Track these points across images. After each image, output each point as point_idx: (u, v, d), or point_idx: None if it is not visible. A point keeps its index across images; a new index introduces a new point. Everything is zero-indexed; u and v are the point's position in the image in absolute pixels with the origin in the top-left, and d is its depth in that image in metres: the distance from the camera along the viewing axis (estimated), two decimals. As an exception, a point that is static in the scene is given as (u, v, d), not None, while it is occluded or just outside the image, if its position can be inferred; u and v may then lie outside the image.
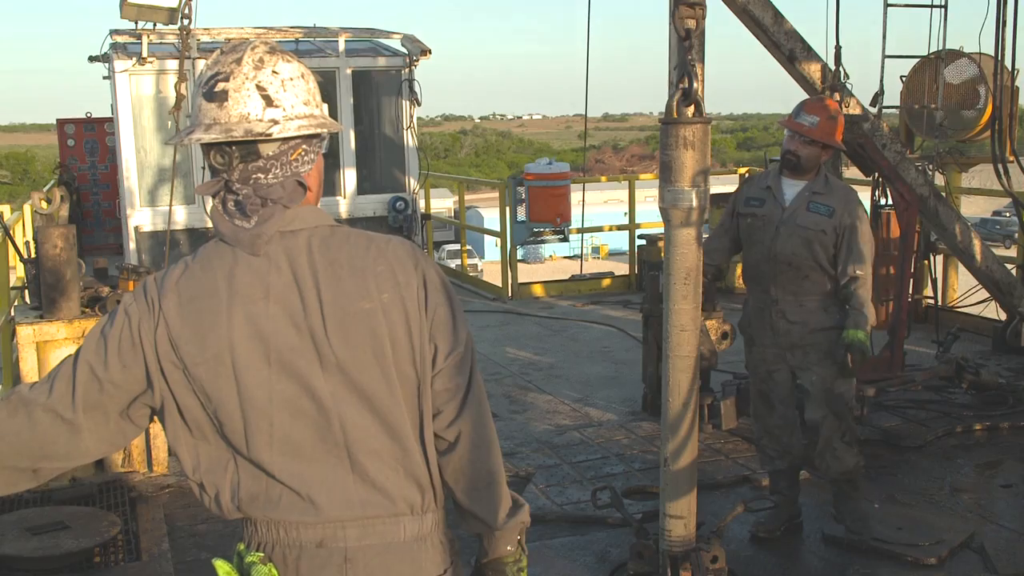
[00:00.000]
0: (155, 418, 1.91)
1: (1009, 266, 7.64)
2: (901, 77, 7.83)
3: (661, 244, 6.35)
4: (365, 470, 1.84)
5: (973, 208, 28.53)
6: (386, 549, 1.86)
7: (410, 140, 11.61)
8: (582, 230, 12.05)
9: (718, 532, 4.16)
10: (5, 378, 6.27)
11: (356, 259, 1.86)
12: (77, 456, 1.88)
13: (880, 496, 5.08)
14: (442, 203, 31.32)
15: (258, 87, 1.81)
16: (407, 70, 11.43)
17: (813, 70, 6.04)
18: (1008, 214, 35.33)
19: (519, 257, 11.87)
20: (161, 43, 10.65)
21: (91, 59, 11.60)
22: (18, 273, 8.75)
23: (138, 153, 10.63)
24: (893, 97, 7.71)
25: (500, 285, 11.22)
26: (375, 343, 1.83)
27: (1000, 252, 8.11)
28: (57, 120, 14.04)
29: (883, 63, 7.33)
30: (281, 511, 1.84)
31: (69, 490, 5.02)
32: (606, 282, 11.63)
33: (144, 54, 10.30)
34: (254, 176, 1.84)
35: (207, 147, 1.84)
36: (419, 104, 11.48)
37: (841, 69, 6.26)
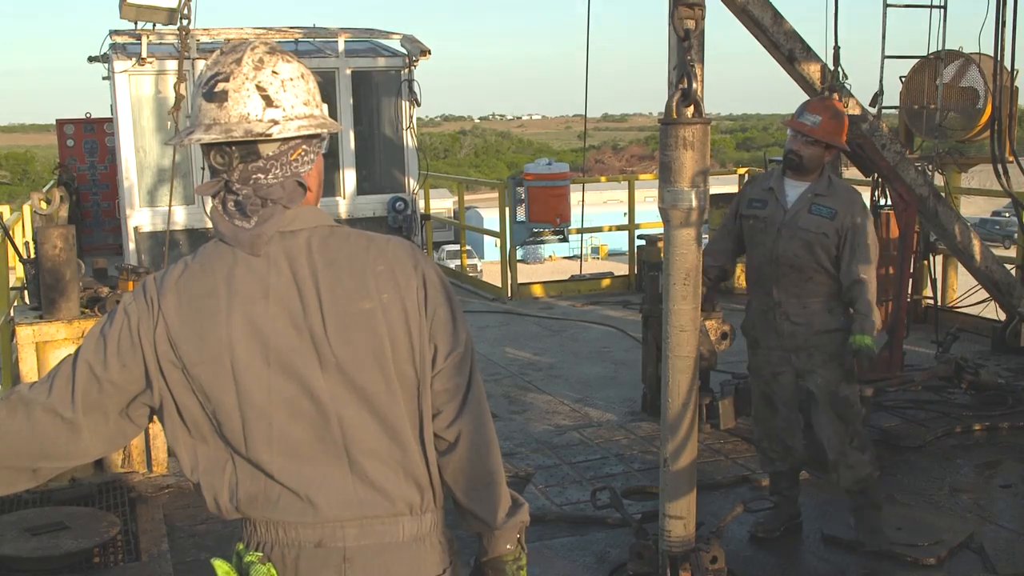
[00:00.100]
0: (155, 418, 1.92)
1: (1008, 266, 7.64)
2: (900, 77, 7.84)
3: (661, 244, 6.34)
4: (364, 470, 1.84)
5: (972, 208, 28.55)
6: (385, 549, 1.86)
7: (410, 140, 11.61)
8: (582, 230, 12.05)
9: (717, 532, 4.16)
10: (5, 378, 6.27)
11: (356, 259, 1.86)
12: (76, 456, 1.88)
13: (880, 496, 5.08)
14: (442, 203, 31.31)
15: (258, 87, 1.82)
16: (407, 70, 11.43)
17: (813, 70, 6.04)
18: (1007, 214, 35.35)
19: (519, 257, 11.87)
20: (160, 43, 10.65)
21: (91, 59, 11.59)
22: (17, 273, 8.76)
23: (137, 153, 10.63)
24: (892, 97, 7.73)
25: (500, 285, 11.22)
26: (375, 343, 1.83)
27: (999, 252, 8.11)
28: (57, 120, 14.04)
29: (882, 63, 7.34)
30: (280, 511, 1.84)
31: (68, 490, 5.02)
32: (606, 282, 11.63)
33: (143, 54, 10.30)
34: (254, 176, 1.84)
35: (207, 147, 1.84)
36: (418, 104, 11.48)
37: (840, 69, 6.26)
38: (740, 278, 9.76)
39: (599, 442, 6.12)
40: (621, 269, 12.56)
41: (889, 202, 6.82)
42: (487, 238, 37.11)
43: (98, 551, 4.40)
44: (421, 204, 12.00)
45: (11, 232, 7.45)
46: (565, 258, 42.75)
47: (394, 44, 11.81)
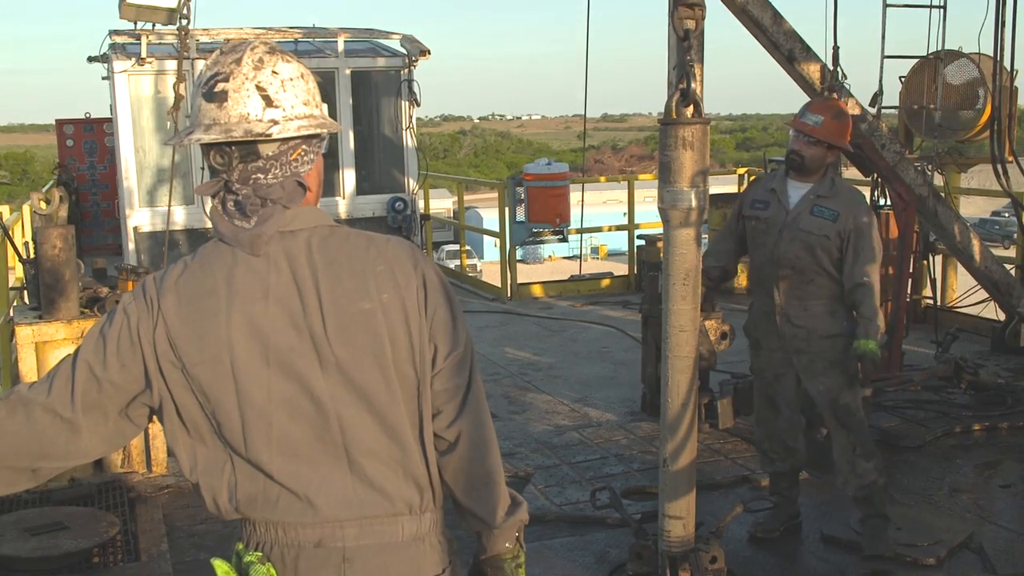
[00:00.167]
0: (154, 418, 1.92)
1: (1008, 266, 7.64)
2: (900, 77, 7.84)
3: (660, 244, 6.34)
4: (363, 470, 1.84)
5: (972, 208, 28.53)
6: (384, 549, 1.86)
7: (409, 140, 11.61)
8: (581, 230, 12.06)
9: (717, 532, 4.16)
10: (4, 379, 6.27)
11: (356, 259, 1.86)
12: (76, 456, 1.88)
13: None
14: (441, 203, 31.29)
15: (258, 87, 1.81)
16: (406, 70, 11.43)
17: (812, 70, 6.04)
18: (1007, 214, 35.36)
19: (518, 257, 11.87)
20: (160, 43, 10.65)
21: (90, 59, 11.59)
22: (17, 273, 8.75)
23: (137, 153, 10.63)
24: (892, 97, 7.73)
25: (499, 285, 11.22)
26: (375, 343, 1.83)
27: (999, 252, 8.11)
28: (56, 120, 14.02)
29: (882, 63, 7.34)
30: (279, 512, 1.84)
31: (68, 490, 5.02)
32: (605, 282, 11.63)
33: (143, 54, 10.30)
34: (254, 176, 1.84)
35: (206, 147, 1.84)
36: (418, 104, 11.48)
37: (839, 69, 6.26)
38: (740, 278, 9.76)
39: (599, 442, 6.13)
40: (621, 269, 12.56)
41: (888, 202, 6.82)
42: (487, 238, 37.11)
43: (97, 551, 4.39)
44: (421, 204, 12.00)
45: (11, 232, 7.45)
46: (565, 258, 42.74)
47: (394, 44, 11.81)
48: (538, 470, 5.64)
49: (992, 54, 7.08)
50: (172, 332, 1.81)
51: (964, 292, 8.72)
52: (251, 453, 1.82)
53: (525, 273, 12.58)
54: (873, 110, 6.97)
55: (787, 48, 5.97)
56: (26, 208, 9.58)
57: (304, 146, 1.88)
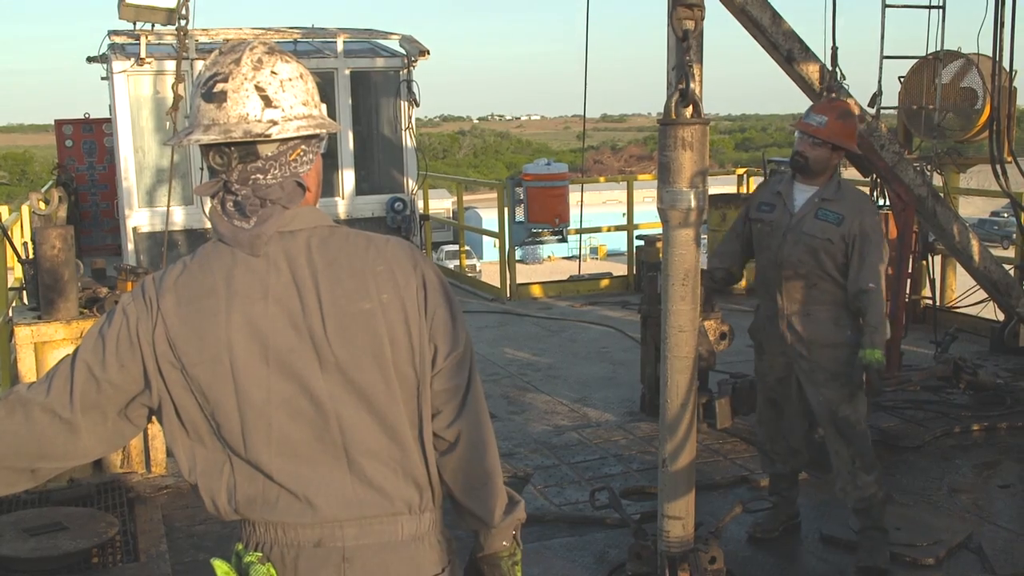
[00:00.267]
0: (153, 418, 1.92)
1: (1007, 267, 7.64)
2: (899, 78, 7.84)
3: (659, 245, 6.34)
4: (363, 470, 1.84)
5: (971, 209, 28.56)
6: (384, 548, 1.86)
7: (408, 141, 11.61)
8: (580, 231, 12.07)
9: (716, 533, 4.16)
10: (3, 379, 6.26)
11: (355, 259, 1.86)
12: (75, 456, 1.88)
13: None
14: (440, 204, 31.32)
15: (257, 88, 1.81)
16: (405, 71, 11.43)
17: (811, 71, 6.04)
18: (1006, 215, 35.39)
19: (517, 258, 11.88)
20: (159, 44, 10.65)
21: (89, 60, 11.59)
22: (16, 274, 8.75)
23: (136, 154, 10.63)
24: (891, 98, 7.73)
25: (498, 286, 11.22)
26: (374, 343, 1.83)
27: (998, 253, 8.11)
28: (55, 121, 14.01)
29: (881, 64, 7.34)
30: (279, 512, 1.84)
31: (67, 491, 5.02)
32: (604, 283, 11.63)
33: (142, 55, 10.30)
34: (253, 177, 1.84)
35: (206, 148, 1.84)
36: (417, 105, 11.48)
37: (838, 70, 6.26)
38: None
39: (598, 442, 6.13)
40: (620, 269, 12.57)
41: (887, 203, 6.82)
42: (486, 238, 37.10)
43: (96, 552, 4.39)
44: (420, 204, 12.00)
45: (10, 232, 7.45)
46: (564, 258, 42.72)
47: (393, 44, 11.81)
48: (537, 470, 5.64)
49: (991, 54, 7.09)
50: (171, 332, 1.81)
51: (963, 292, 8.72)
52: (250, 454, 1.82)
53: (524, 273, 12.58)
54: (872, 110, 6.97)
55: (786, 48, 5.97)
56: (25, 208, 9.58)
57: (303, 146, 1.88)
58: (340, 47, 11.31)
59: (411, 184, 11.67)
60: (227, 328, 1.80)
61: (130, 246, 10.57)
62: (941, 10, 7.24)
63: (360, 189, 11.51)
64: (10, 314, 5.91)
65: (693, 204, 3.64)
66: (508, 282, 10.99)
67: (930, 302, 8.30)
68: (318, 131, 1.88)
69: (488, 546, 2.02)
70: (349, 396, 1.83)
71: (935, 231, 6.98)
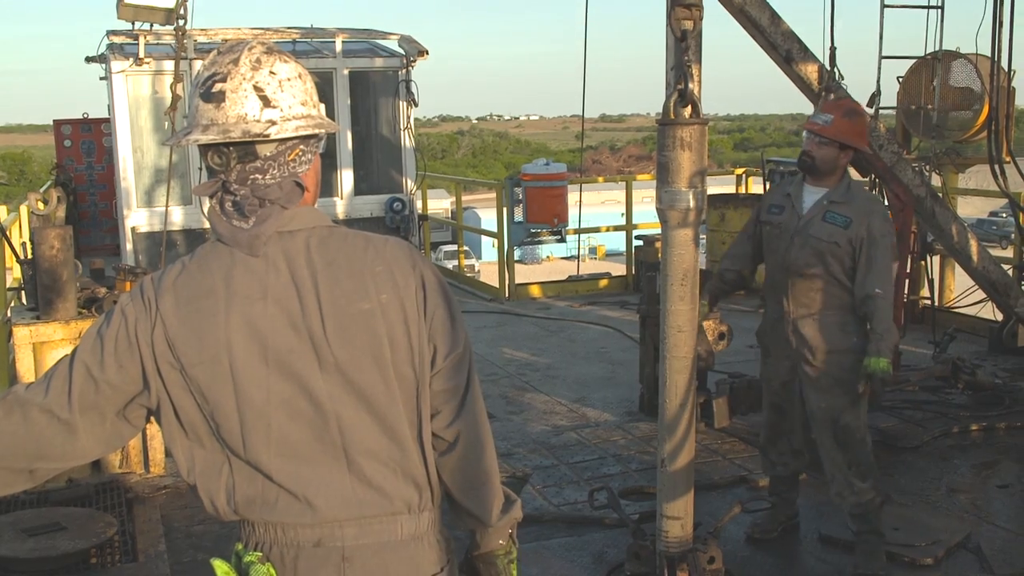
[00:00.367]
0: (152, 419, 1.91)
1: (1005, 267, 7.64)
2: (898, 78, 7.85)
3: (658, 245, 6.35)
4: (362, 470, 1.85)
5: (970, 209, 28.53)
6: (383, 548, 1.86)
7: (407, 141, 11.60)
8: (579, 231, 12.06)
9: (715, 533, 4.16)
10: (1, 379, 6.26)
11: (354, 260, 1.86)
12: (73, 456, 1.88)
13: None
14: (439, 204, 31.30)
15: (255, 88, 1.81)
16: (404, 71, 11.42)
17: (810, 71, 6.04)
18: (1004, 215, 35.40)
19: (516, 258, 11.87)
20: (158, 44, 10.64)
21: (88, 60, 11.58)
22: (14, 274, 8.74)
23: (135, 154, 10.62)
24: (890, 98, 7.74)
25: (497, 286, 11.21)
26: (374, 344, 1.83)
27: (996, 253, 8.11)
28: (54, 121, 14.02)
29: (880, 64, 7.35)
30: (278, 513, 1.84)
31: (65, 491, 5.01)
32: (603, 283, 11.63)
33: (141, 55, 10.29)
34: (252, 177, 1.84)
35: (204, 148, 1.84)
36: (416, 105, 11.48)
37: (837, 70, 6.26)
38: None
39: (596, 442, 6.13)
40: (619, 269, 12.57)
41: (886, 203, 6.82)
42: (485, 238, 37.07)
43: (95, 552, 4.39)
44: (419, 204, 12.00)
45: (8, 233, 7.45)
46: (563, 258, 42.68)
47: (392, 44, 11.81)
48: (536, 470, 5.64)
49: (990, 54, 7.09)
50: (170, 333, 1.81)
51: (962, 292, 8.72)
52: (250, 454, 1.82)
53: (523, 273, 12.56)
54: (871, 111, 6.98)
55: (785, 48, 5.97)
56: (24, 208, 9.59)
57: (302, 146, 1.88)
58: (339, 47, 11.31)
59: (410, 184, 11.67)
60: (226, 328, 1.80)
61: (129, 246, 10.57)
62: (940, 10, 7.25)
63: (359, 189, 11.50)
64: (8, 314, 5.90)
65: (692, 204, 3.64)
66: (507, 282, 10.99)
67: (929, 302, 8.31)
68: (317, 131, 1.88)
69: (484, 544, 2.03)
70: (348, 396, 1.83)
71: (934, 231, 6.99)
